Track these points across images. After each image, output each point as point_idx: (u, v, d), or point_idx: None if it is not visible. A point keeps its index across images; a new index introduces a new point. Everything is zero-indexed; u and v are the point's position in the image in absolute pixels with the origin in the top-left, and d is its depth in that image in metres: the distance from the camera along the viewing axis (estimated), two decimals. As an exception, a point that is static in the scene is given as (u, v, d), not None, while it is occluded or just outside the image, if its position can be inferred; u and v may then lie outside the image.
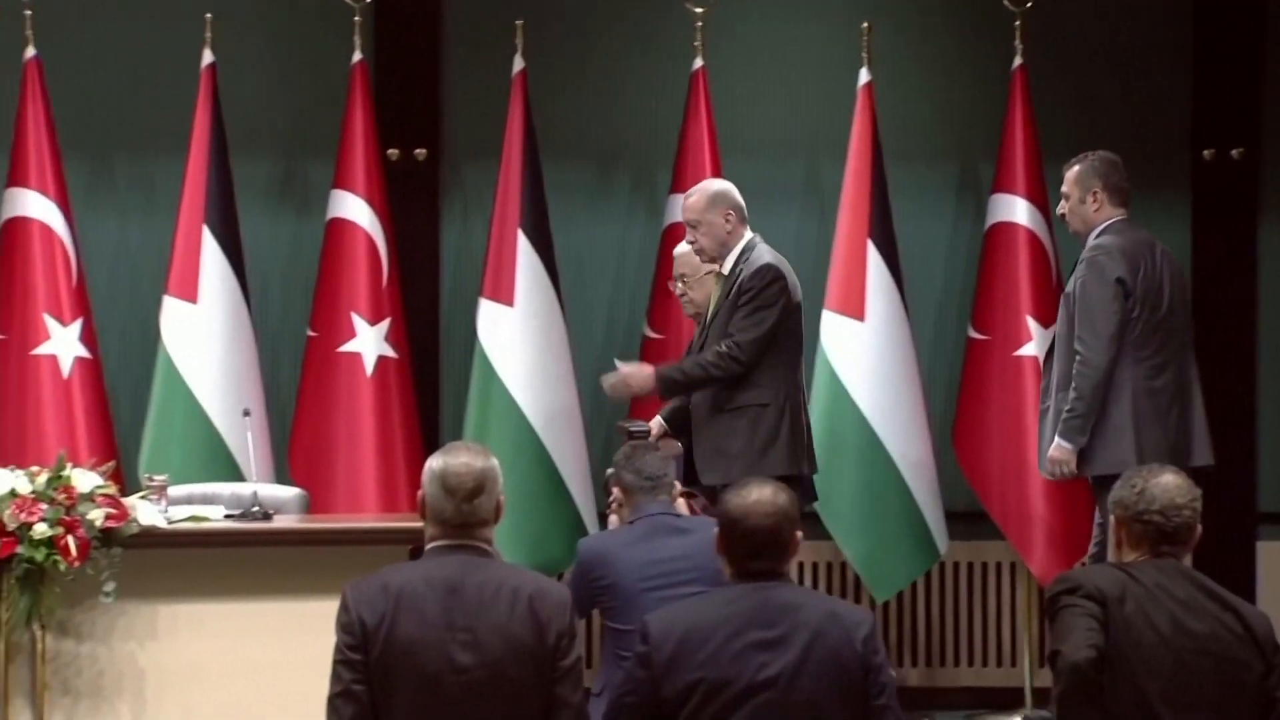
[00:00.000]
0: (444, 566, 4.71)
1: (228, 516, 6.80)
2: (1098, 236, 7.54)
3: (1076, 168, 7.60)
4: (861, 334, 8.46)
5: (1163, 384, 7.47)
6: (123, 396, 8.51)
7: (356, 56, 8.52)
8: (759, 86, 9.06)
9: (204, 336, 8.18)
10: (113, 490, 6.43)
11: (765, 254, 7.49)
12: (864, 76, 8.60)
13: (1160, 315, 7.49)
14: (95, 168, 8.69)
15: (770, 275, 7.42)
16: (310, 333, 8.47)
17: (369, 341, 8.31)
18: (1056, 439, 7.44)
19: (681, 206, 7.66)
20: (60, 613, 6.34)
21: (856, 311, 8.47)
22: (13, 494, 6.24)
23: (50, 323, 8.14)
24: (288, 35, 8.85)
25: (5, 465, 6.46)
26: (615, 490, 6.47)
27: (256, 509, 6.82)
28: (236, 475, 7.90)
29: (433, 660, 4.60)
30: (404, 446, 8.34)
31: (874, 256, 8.49)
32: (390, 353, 8.37)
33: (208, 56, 8.34)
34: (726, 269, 7.52)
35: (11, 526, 6.19)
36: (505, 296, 8.39)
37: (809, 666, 4.65)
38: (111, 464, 6.76)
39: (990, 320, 8.64)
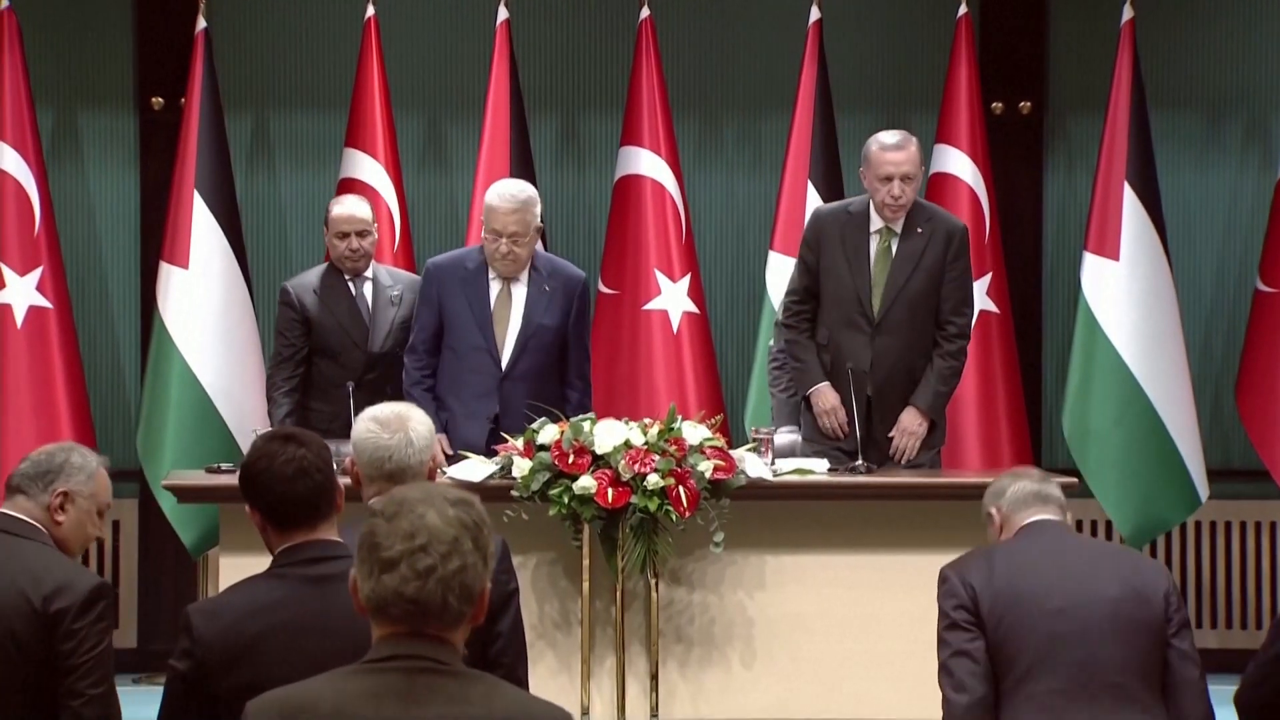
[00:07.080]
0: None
1: (831, 470, 6.88)
2: None
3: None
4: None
5: None
6: (728, 351, 8.69)
7: (962, 10, 8.47)
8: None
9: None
10: (720, 443, 6.57)
11: (939, 210, 7.33)
12: None
13: None
14: (704, 126, 8.87)
15: (967, 237, 7.22)
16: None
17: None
18: None
19: (903, 157, 7.13)
20: (672, 561, 6.52)
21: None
22: (627, 445, 6.42)
23: (660, 278, 8.35)
24: (893, -11, 8.88)
25: (619, 417, 6.64)
26: None
27: (859, 463, 6.87)
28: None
29: (1043, 615, 4.59)
30: (1006, 401, 8.30)
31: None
32: (992, 307, 8.31)
33: (814, 14, 8.42)
34: (899, 226, 7.17)
35: (625, 477, 6.38)
36: (1110, 251, 8.25)
37: None
38: (719, 417, 6.90)
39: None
